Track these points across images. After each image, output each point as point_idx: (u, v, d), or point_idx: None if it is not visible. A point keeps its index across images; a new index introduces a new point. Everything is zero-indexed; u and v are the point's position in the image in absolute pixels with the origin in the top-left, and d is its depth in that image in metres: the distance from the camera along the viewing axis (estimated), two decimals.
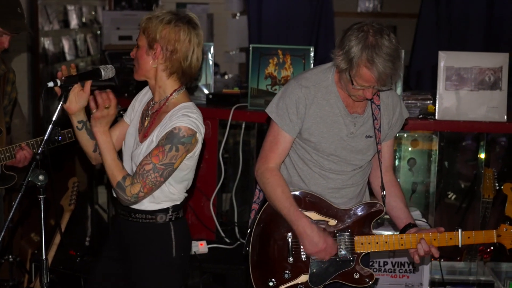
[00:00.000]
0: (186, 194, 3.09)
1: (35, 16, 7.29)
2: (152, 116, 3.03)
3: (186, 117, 2.90)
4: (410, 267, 4.13)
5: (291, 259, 3.09)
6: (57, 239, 4.07)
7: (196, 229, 4.65)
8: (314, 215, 3.10)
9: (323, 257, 3.07)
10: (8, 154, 3.49)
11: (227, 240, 4.59)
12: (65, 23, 8.41)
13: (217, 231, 4.64)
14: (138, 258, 3.04)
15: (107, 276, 3.15)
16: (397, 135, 4.47)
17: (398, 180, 4.54)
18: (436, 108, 4.36)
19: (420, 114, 4.39)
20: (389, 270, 4.12)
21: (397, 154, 4.58)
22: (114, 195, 2.99)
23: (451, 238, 3.10)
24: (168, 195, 3.01)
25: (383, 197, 3.18)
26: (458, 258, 4.53)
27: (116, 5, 8.53)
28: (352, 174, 3.14)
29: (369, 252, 3.16)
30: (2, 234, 2.63)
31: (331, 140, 3.06)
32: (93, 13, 9.24)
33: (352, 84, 2.91)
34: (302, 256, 3.10)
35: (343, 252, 3.10)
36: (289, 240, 3.10)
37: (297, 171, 3.15)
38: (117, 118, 3.10)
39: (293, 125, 3.06)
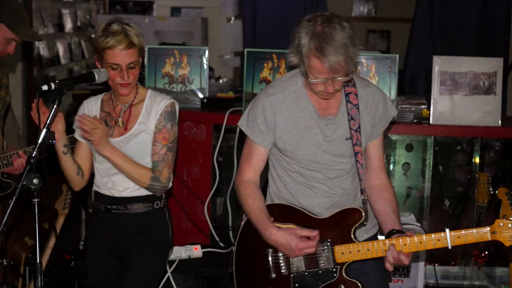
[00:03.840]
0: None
1: (29, 19, 7.28)
2: (124, 115, 3.20)
3: (164, 96, 3.22)
4: (404, 271, 4.13)
5: (273, 275, 2.97)
6: (51, 242, 4.06)
7: (191, 233, 4.64)
8: (292, 227, 2.95)
9: (308, 252, 2.90)
10: (5, 162, 3.48)
11: (222, 244, 4.58)
12: (60, 27, 8.40)
13: (212, 235, 4.63)
14: (138, 245, 3.22)
15: (103, 278, 3.28)
16: (391, 139, 4.50)
17: (393, 184, 4.56)
18: (431, 113, 4.37)
19: (415, 119, 4.40)
20: None
21: (392, 158, 4.58)
22: (150, 192, 3.20)
23: (438, 240, 2.82)
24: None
25: (363, 201, 3.01)
26: (453, 263, 4.54)
27: (111, 9, 8.54)
28: (339, 180, 2.99)
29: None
30: None
31: (308, 147, 2.94)
32: (88, 16, 9.24)
33: (308, 78, 2.81)
34: (283, 271, 2.97)
35: (323, 264, 2.93)
36: (269, 256, 2.98)
37: (284, 184, 3.04)
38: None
39: (263, 136, 2.97)
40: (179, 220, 4.65)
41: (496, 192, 4.10)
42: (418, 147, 4.55)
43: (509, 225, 2.75)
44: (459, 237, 2.80)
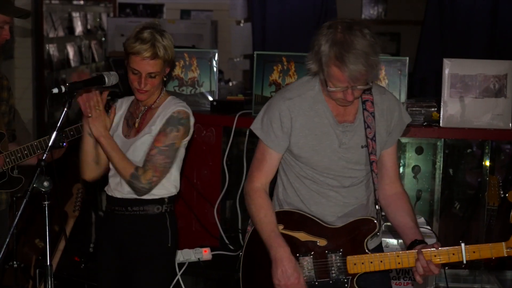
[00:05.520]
0: (179, 187, 3.30)
1: (40, 22, 7.31)
2: (142, 117, 3.23)
3: (180, 103, 3.21)
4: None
5: None
6: (62, 245, 4.07)
7: (200, 236, 4.64)
8: (302, 236, 2.91)
9: None
10: (13, 158, 3.50)
11: (231, 247, 4.58)
12: (70, 29, 8.43)
13: (221, 238, 4.63)
14: (135, 249, 3.19)
15: (112, 279, 3.28)
16: (401, 141, 4.49)
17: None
18: (441, 115, 4.36)
19: (425, 121, 4.39)
20: (393, 278, 4.10)
21: (402, 161, 4.57)
22: (130, 189, 3.17)
23: (453, 254, 2.79)
24: (170, 183, 3.23)
25: (378, 212, 2.94)
26: (463, 266, 4.51)
27: (121, 12, 8.56)
28: (353, 189, 2.93)
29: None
30: (7, 240, 2.63)
31: (323, 153, 2.87)
32: (98, 20, 9.26)
33: (327, 86, 2.74)
34: None
35: (335, 274, 2.88)
36: None
37: (295, 191, 2.96)
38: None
39: (278, 141, 2.88)
40: (188, 223, 4.65)
41: (507, 195, 4.09)
42: (428, 150, 4.54)
43: None
44: (474, 252, 2.78)
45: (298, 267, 2.86)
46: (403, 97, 4.37)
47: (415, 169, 4.58)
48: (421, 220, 4.28)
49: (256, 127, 2.96)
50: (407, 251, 2.82)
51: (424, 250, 2.78)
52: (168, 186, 3.23)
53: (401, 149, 4.56)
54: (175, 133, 3.13)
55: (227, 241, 4.61)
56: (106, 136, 3.10)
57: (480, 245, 2.80)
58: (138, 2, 8.53)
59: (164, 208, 3.22)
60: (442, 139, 4.49)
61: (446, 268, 4.29)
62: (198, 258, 4.30)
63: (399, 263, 2.82)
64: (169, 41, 3.14)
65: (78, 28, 8.63)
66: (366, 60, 2.65)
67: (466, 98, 4.35)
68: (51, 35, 7.80)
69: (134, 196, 3.19)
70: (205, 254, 4.33)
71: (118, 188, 3.21)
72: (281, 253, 2.85)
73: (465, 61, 4.43)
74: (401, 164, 4.58)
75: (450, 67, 4.36)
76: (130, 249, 3.21)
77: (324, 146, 2.87)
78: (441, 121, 4.36)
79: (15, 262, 4.31)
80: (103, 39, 8.96)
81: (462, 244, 2.78)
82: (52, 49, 7.83)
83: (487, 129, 4.34)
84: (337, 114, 2.88)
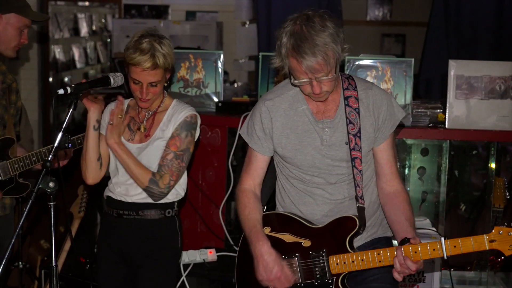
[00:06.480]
0: (186, 189, 3.33)
1: (45, 24, 7.33)
2: (147, 121, 3.23)
3: (187, 106, 3.23)
4: (420, 276, 4.11)
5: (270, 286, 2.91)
6: (67, 246, 4.08)
7: (205, 237, 4.64)
8: (288, 237, 2.91)
9: (276, 286, 2.84)
10: (21, 164, 3.50)
11: (236, 248, 4.57)
12: (75, 31, 8.46)
13: (226, 239, 4.63)
14: (144, 253, 3.22)
15: (113, 282, 3.31)
16: (407, 143, 4.49)
17: (408, 189, 4.54)
18: (446, 117, 4.35)
19: (430, 123, 4.38)
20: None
21: (407, 162, 4.56)
22: (147, 195, 3.19)
23: (434, 249, 2.67)
24: (180, 187, 3.25)
25: (359, 208, 2.88)
26: (469, 268, 4.51)
27: (126, 13, 8.57)
28: (340, 186, 2.91)
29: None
30: (13, 241, 2.63)
31: (306, 152, 2.87)
32: (103, 21, 9.28)
33: (291, 79, 2.74)
34: None
35: (319, 275, 2.86)
36: None
37: (287, 194, 2.99)
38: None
39: (261, 143, 2.93)
40: (193, 224, 4.65)
41: None
42: (434, 152, 4.53)
43: (509, 233, 2.59)
44: (455, 246, 2.67)
45: (279, 259, 2.85)
46: (408, 99, 4.36)
47: (421, 171, 4.57)
48: (426, 221, 4.28)
49: (243, 131, 3.03)
50: (388, 248, 2.78)
51: (404, 246, 2.72)
52: (178, 189, 3.27)
53: (406, 150, 4.55)
54: (190, 138, 3.18)
55: (232, 242, 4.60)
56: (120, 143, 3.15)
57: (462, 238, 2.67)
58: (144, 3, 8.54)
59: (174, 212, 3.28)
60: (448, 141, 4.49)
61: (452, 269, 4.29)
62: (203, 259, 4.31)
63: (380, 261, 2.77)
64: (168, 48, 3.12)
65: (84, 30, 8.64)
66: (324, 50, 2.63)
67: (471, 99, 4.34)
68: (56, 36, 7.82)
69: (146, 200, 3.21)
70: (210, 255, 4.33)
71: (128, 193, 3.22)
72: (259, 247, 2.86)
73: (471, 63, 4.42)
74: (406, 165, 4.57)
75: (455, 69, 4.35)
76: (138, 253, 3.23)
77: (305, 145, 2.88)
78: (446, 123, 4.35)
79: (20, 263, 4.32)
80: (108, 40, 8.97)
81: (442, 239, 2.67)
82: (57, 50, 7.85)
83: (493, 131, 4.33)
84: (317, 112, 2.88)
